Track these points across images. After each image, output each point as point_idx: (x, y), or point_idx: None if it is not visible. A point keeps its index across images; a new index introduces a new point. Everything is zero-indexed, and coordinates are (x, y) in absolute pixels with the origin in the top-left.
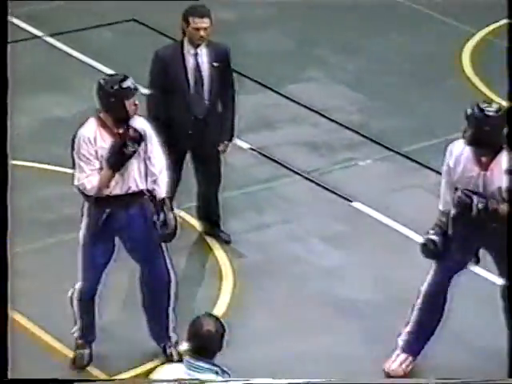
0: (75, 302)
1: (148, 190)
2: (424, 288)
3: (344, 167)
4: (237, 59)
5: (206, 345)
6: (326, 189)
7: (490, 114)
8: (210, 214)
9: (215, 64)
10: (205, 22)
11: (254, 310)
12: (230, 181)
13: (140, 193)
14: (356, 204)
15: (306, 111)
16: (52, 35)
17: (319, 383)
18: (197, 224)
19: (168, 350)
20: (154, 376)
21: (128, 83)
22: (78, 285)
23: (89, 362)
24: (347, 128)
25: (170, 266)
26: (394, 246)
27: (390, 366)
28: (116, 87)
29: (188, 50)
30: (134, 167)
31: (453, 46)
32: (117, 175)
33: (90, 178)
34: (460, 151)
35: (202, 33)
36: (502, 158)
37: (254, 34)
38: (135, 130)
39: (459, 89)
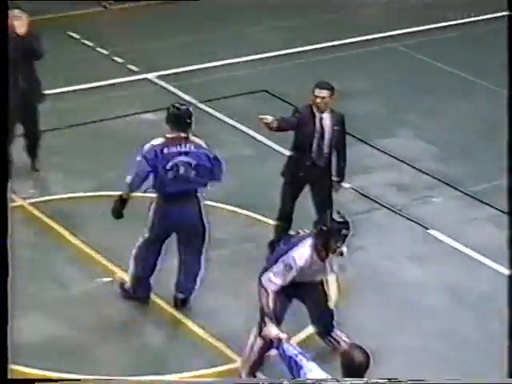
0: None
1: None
2: None
3: (422, 203)
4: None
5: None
6: (409, 219)
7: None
8: None
9: (335, 127)
10: (323, 93)
11: (362, 312)
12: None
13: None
14: (432, 231)
15: (393, 160)
16: (202, 102)
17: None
18: None
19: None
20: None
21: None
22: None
23: None
24: (425, 173)
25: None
26: (463, 265)
27: None
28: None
29: (315, 113)
30: None
31: None
32: None
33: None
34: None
35: (318, 100)
36: None
37: (355, 101)
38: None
39: None
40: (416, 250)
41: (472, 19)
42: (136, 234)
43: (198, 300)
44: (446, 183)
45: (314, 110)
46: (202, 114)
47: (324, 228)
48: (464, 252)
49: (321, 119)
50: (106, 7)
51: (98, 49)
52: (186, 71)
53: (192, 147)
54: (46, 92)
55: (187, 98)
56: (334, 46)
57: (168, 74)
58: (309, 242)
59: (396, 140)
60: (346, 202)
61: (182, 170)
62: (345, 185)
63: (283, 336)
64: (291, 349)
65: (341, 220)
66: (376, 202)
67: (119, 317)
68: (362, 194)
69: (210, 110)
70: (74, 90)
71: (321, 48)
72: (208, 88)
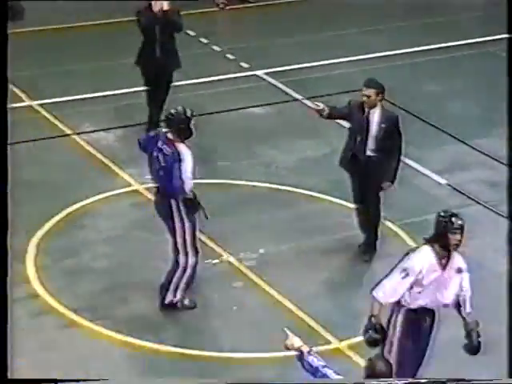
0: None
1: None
2: None
3: None
4: (440, 120)
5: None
6: (500, 215)
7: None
8: (365, 239)
9: (383, 125)
10: (368, 91)
11: None
12: (432, 207)
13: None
14: None
15: (487, 158)
16: (307, 98)
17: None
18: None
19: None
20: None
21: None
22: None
23: None
24: None
25: None
26: None
27: None
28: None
29: (364, 108)
30: None
31: None
32: None
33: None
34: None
35: (364, 98)
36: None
37: (451, 102)
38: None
39: None
40: (505, 245)
41: None
42: (242, 222)
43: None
44: None
45: (364, 105)
46: (306, 110)
47: (439, 220)
48: None
49: (368, 114)
50: (221, 8)
51: (213, 46)
52: (293, 69)
53: (168, 150)
54: None
55: (294, 94)
56: (431, 49)
57: (276, 72)
58: (425, 247)
59: (491, 140)
60: (442, 197)
61: (155, 165)
62: (441, 181)
63: (304, 349)
64: (316, 360)
65: (448, 213)
66: (470, 197)
67: (227, 296)
68: (457, 190)
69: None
70: (189, 84)
71: (420, 51)
72: (313, 85)
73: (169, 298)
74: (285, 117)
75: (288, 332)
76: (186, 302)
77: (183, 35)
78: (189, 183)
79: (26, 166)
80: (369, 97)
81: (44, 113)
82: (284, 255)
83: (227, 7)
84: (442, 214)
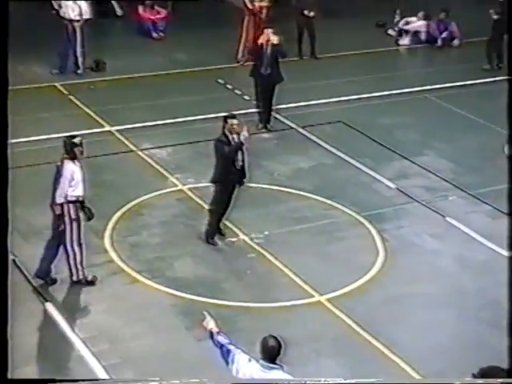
0: None
1: None
2: None
3: (442, 199)
4: (390, 143)
5: (271, 354)
6: (433, 210)
7: None
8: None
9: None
10: (234, 122)
11: (399, 265)
12: (385, 203)
13: None
14: (448, 218)
15: (424, 171)
16: (301, 127)
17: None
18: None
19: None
20: (240, 371)
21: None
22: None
23: None
24: (444, 180)
25: None
26: (467, 241)
27: None
28: None
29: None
30: None
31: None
32: None
33: None
34: None
35: (234, 126)
36: None
37: (400, 131)
38: None
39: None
40: (436, 230)
41: (478, 81)
42: (253, 212)
43: (294, 250)
44: (457, 187)
45: (227, 133)
46: (300, 135)
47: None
48: (468, 233)
49: (233, 139)
50: (241, 64)
51: (236, 91)
52: (294, 107)
53: (60, 165)
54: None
55: (292, 124)
56: (388, 94)
57: (281, 108)
58: None
59: (426, 158)
60: (392, 197)
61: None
62: (391, 185)
63: (215, 330)
64: (223, 339)
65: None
66: (411, 197)
67: (243, 263)
68: (402, 191)
69: (305, 133)
70: (211, 118)
71: (377, 96)
72: (306, 118)
73: (75, 278)
74: (284, 140)
75: (206, 315)
76: (90, 278)
77: (215, 83)
78: (63, 192)
79: (105, 171)
80: (235, 125)
81: (118, 135)
82: (282, 236)
83: (246, 63)
84: None
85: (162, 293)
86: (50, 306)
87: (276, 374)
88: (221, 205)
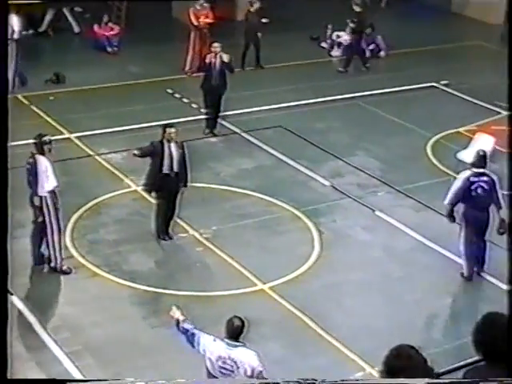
0: None
1: None
2: None
3: (372, 195)
4: (325, 145)
5: (235, 333)
6: (363, 204)
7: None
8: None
9: (180, 151)
10: (172, 130)
11: (335, 255)
12: (320, 199)
13: None
14: (377, 212)
15: (355, 169)
16: (244, 131)
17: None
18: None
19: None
20: (207, 351)
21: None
22: None
23: None
24: (373, 177)
25: None
26: (393, 232)
27: None
28: None
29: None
30: None
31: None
32: None
33: None
34: None
35: (172, 135)
36: None
37: (333, 134)
38: None
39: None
40: (366, 223)
41: (404, 88)
42: (202, 209)
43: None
44: (385, 183)
45: (164, 141)
46: (243, 139)
47: None
48: (394, 224)
49: (169, 147)
50: (188, 75)
51: (184, 99)
52: (237, 113)
53: (32, 162)
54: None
55: (236, 129)
56: (323, 101)
57: (227, 115)
58: None
59: (357, 158)
60: (326, 193)
61: None
62: (325, 183)
63: (181, 318)
64: (188, 325)
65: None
66: (344, 193)
67: (192, 256)
68: (336, 188)
69: (248, 137)
70: (161, 124)
71: (314, 102)
72: (248, 123)
73: (52, 264)
74: (229, 144)
75: (174, 308)
76: (64, 268)
77: (164, 93)
78: (42, 184)
79: (65, 175)
80: (171, 134)
81: (77, 141)
82: (228, 230)
83: (193, 74)
84: None
85: (119, 285)
86: (15, 299)
87: (241, 350)
88: (161, 206)
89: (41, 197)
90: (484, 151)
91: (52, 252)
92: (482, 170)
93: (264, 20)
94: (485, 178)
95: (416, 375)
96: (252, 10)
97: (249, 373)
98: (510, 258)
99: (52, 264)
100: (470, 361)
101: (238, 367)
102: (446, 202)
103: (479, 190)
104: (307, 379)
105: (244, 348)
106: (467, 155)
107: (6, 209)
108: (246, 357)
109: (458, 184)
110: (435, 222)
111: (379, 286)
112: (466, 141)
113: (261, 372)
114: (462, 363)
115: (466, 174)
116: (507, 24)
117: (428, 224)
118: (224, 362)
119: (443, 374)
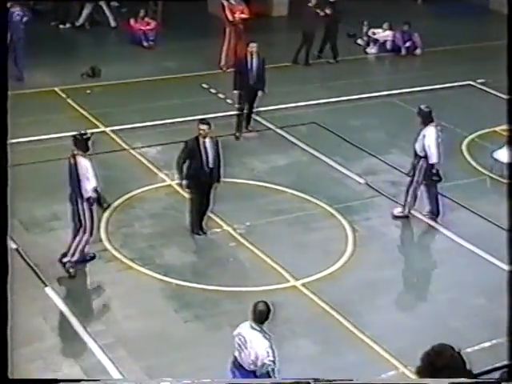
0: None
1: None
2: None
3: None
4: (359, 142)
5: (258, 317)
6: (397, 202)
7: None
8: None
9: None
10: (203, 127)
11: (370, 251)
12: (354, 197)
13: None
14: (411, 210)
15: (389, 167)
16: (279, 128)
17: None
18: None
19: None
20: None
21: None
22: None
23: None
24: (407, 175)
25: None
26: (429, 229)
27: None
28: None
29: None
30: None
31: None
32: None
33: None
34: None
35: (201, 132)
36: None
37: (369, 131)
38: None
39: None
40: (400, 221)
41: (439, 86)
42: (236, 205)
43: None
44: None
45: (200, 137)
46: (278, 135)
47: None
48: (429, 223)
49: (204, 142)
50: (223, 70)
51: (219, 94)
52: (272, 109)
53: (73, 162)
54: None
55: (270, 125)
56: (358, 98)
57: (260, 111)
58: None
59: (392, 155)
60: (360, 191)
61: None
62: (360, 180)
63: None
64: None
65: None
66: (378, 191)
67: (226, 252)
68: (370, 186)
69: (282, 133)
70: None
71: (349, 99)
72: (283, 119)
73: (65, 259)
74: (263, 140)
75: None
76: (71, 270)
77: (199, 87)
78: (85, 187)
79: (99, 168)
80: (204, 130)
81: (112, 135)
82: (262, 226)
83: (228, 69)
84: None
85: (153, 278)
86: (50, 291)
87: (256, 335)
88: (195, 201)
89: (82, 198)
90: None
91: (73, 249)
92: None
93: (327, 11)
94: None
95: (457, 375)
96: (310, 4)
97: (252, 357)
98: None
99: (65, 259)
100: (505, 362)
101: (245, 347)
102: None
103: None
104: (306, 379)
105: (260, 335)
106: (503, 154)
107: (6, 209)
108: (256, 343)
109: None
110: (470, 221)
111: (413, 285)
112: (502, 140)
113: (265, 364)
114: (498, 364)
115: None
116: None
117: (463, 223)
118: (239, 339)
119: (480, 374)
